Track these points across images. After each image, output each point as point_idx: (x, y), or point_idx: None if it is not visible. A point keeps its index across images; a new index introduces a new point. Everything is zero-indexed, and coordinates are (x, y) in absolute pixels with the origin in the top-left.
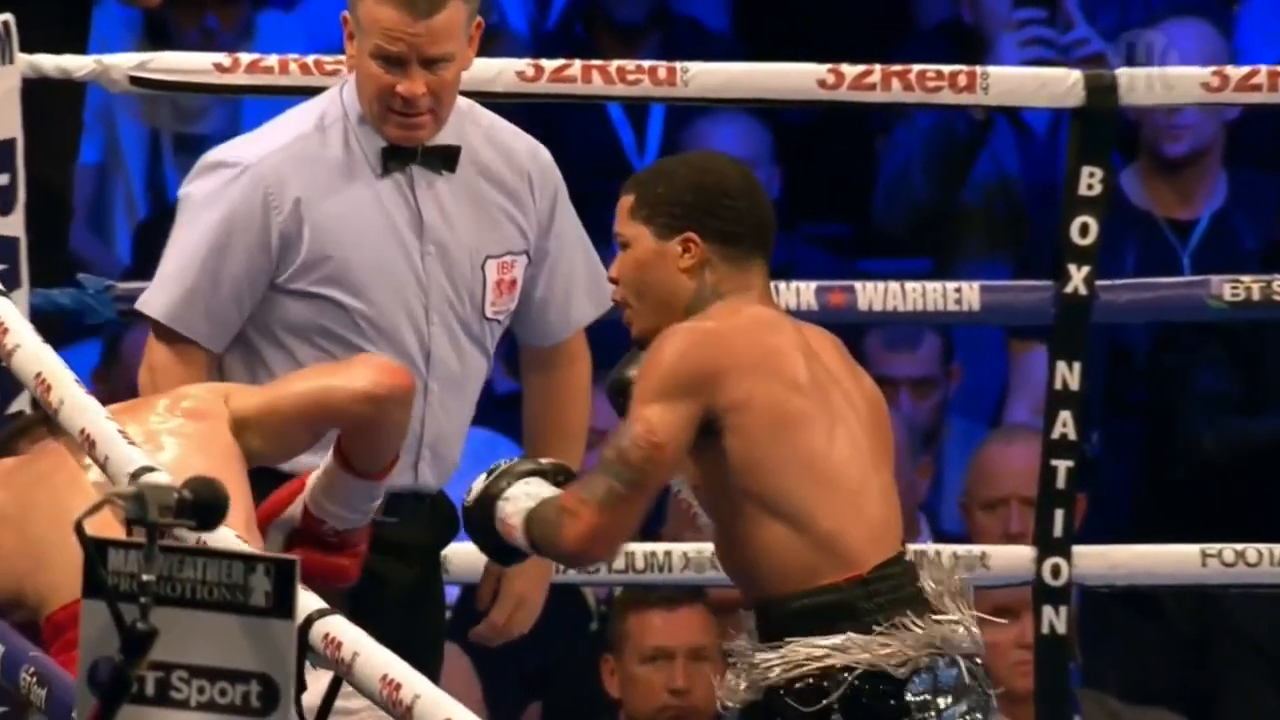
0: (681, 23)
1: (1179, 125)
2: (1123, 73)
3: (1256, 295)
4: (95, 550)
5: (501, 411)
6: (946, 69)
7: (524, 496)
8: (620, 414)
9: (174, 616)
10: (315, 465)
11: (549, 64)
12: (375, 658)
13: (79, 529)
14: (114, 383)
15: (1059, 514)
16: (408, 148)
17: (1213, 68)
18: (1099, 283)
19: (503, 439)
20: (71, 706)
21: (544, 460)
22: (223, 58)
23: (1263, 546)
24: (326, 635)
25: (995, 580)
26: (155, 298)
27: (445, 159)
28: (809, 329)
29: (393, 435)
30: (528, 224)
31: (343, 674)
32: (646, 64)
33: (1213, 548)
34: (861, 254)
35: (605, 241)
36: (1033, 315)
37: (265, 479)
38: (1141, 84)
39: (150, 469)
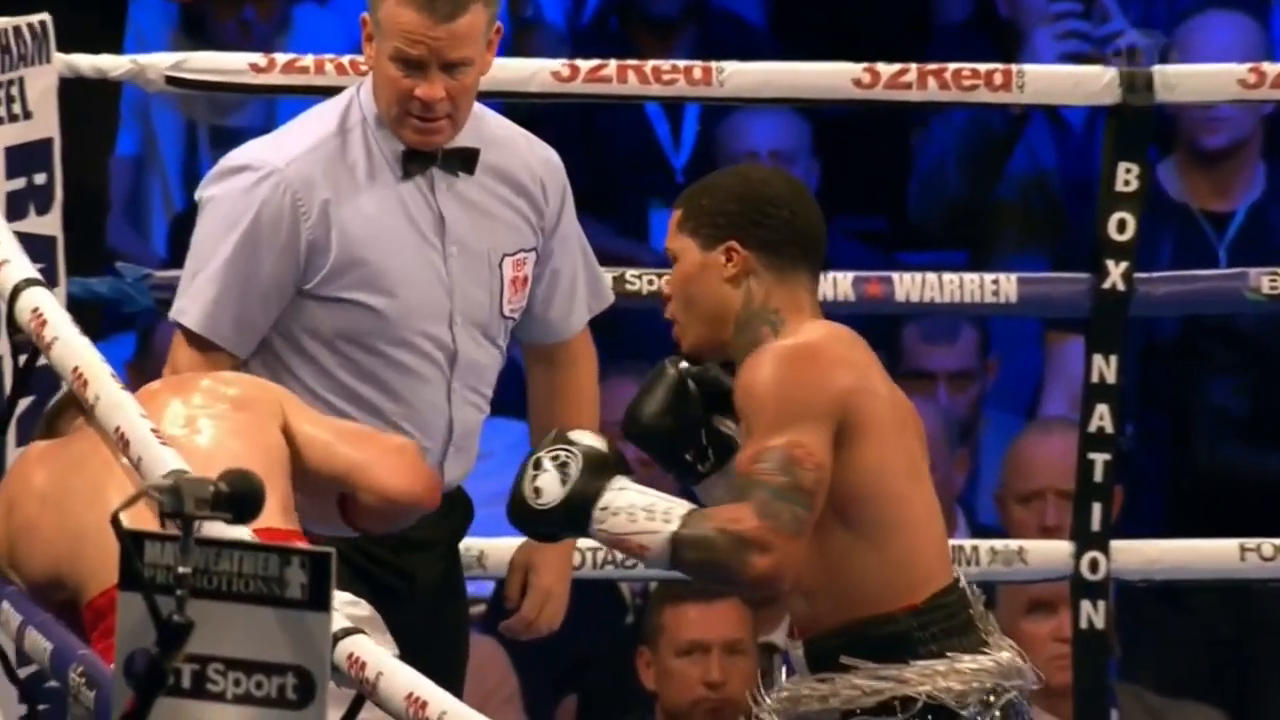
0: (717, 16)
1: (1216, 118)
2: (1159, 70)
3: None
4: (131, 543)
5: None
6: (982, 67)
7: (639, 511)
8: (649, 452)
9: (210, 609)
10: None
11: (584, 64)
12: (400, 676)
13: (115, 521)
14: (148, 375)
15: (1097, 508)
16: (426, 153)
17: (1249, 64)
18: (1137, 275)
19: None
20: None
21: (585, 439)
22: (258, 58)
23: None
24: (350, 655)
25: (1033, 575)
26: (189, 307)
27: (464, 161)
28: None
29: (400, 524)
30: (539, 222)
31: (367, 694)
32: (682, 64)
33: (1251, 542)
34: (897, 248)
35: (640, 237)
36: (1070, 308)
37: None
38: (1177, 81)
39: (183, 472)
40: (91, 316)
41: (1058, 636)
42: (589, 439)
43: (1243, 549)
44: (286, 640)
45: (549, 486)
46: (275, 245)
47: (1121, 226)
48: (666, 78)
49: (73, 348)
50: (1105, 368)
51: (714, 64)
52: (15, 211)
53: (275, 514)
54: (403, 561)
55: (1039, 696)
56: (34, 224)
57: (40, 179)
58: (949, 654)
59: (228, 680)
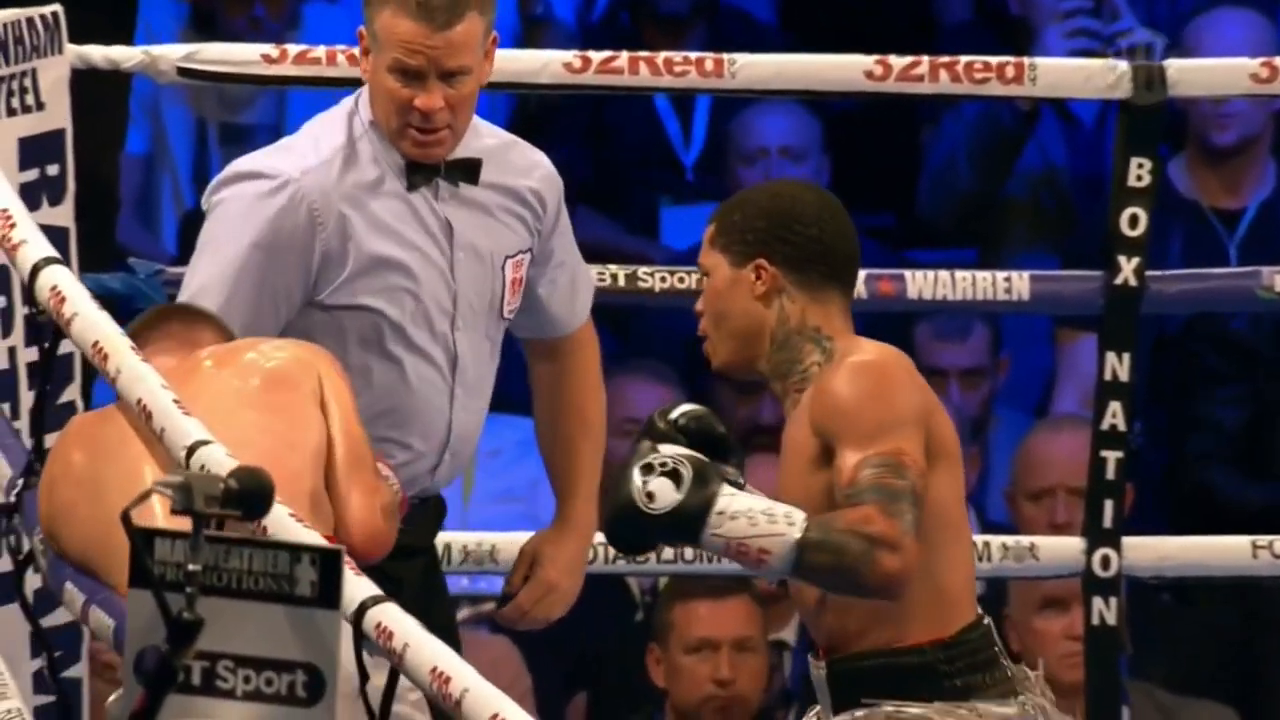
0: (727, 13)
1: (1227, 114)
2: (1170, 64)
3: None
4: (141, 540)
5: None
6: (994, 60)
7: (758, 514)
8: (621, 542)
9: (220, 606)
10: None
11: (596, 55)
12: (425, 649)
13: (125, 519)
14: None
15: (1108, 505)
16: (430, 166)
17: (1262, 59)
18: (1148, 273)
19: None
20: None
21: (684, 454)
22: (270, 48)
23: None
24: (379, 624)
25: (1044, 571)
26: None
27: (466, 172)
28: None
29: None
30: (535, 224)
31: (395, 664)
32: (694, 55)
33: (1263, 539)
34: (907, 244)
35: (650, 234)
36: (1082, 305)
37: None
38: (1189, 75)
39: (206, 442)
40: (105, 309)
41: (1070, 634)
42: (687, 450)
43: (1254, 546)
44: (296, 637)
45: (662, 491)
46: (289, 256)
47: (1134, 222)
48: (678, 69)
49: (93, 322)
50: (1118, 365)
51: (725, 56)
52: (28, 203)
53: (304, 509)
54: (391, 568)
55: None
56: (46, 215)
57: (53, 170)
58: (972, 697)
59: (237, 677)
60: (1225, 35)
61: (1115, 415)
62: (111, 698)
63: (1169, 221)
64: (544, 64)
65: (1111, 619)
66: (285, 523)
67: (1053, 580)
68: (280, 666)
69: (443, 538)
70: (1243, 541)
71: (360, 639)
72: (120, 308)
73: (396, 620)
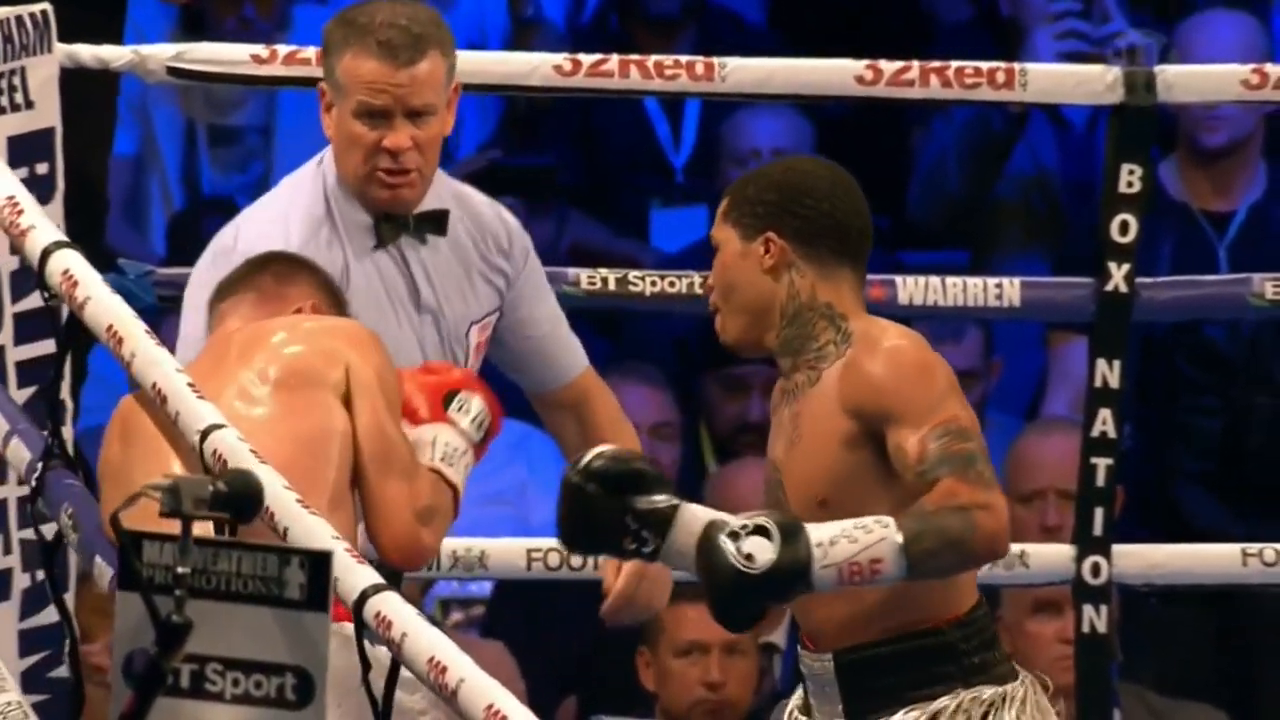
0: (717, 15)
1: (1217, 116)
2: (1162, 70)
3: None
4: (129, 542)
5: None
6: (984, 65)
7: (851, 530)
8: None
9: (209, 609)
10: None
11: (586, 58)
12: (423, 638)
13: (114, 522)
14: None
15: (1099, 512)
16: (399, 218)
17: (1252, 65)
18: (1139, 280)
19: (537, 432)
20: None
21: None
22: (260, 49)
23: None
24: (378, 614)
25: (1034, 579)
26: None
27: (435, 224)
28: None
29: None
30: (502, 284)
31: (394, 653)
32: (684, 59)
33: (1253, 547)
34: (898, 247)
35: (641, 237)
36: (1073, 312)
37: None
38: (1180, 81)
39: (219, 425)
40: None
41: (1062, 638)
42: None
43: (1245, 554)
44: (285, 640)
45: (758, 549)
46: None
47: (1125, 228)
48: (669, 73)
49: (106, 306)
50: (1108, 372)
51: (716, 60)
52: None
53: (318, 508)
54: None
55: None
56: None
57: (42, 169)
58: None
59: (226, 680)
60: (1216, 38)
61: (1105, 422)
62: None
63: (1159, 225)
64: (534, 66)
65: (1102, 627)
66: (291, 509)
67: (1043, 587)
68: (269, 669)
69: None
70: (1233, 549)
71: (361, 628)
72: None
73: (396, 609)
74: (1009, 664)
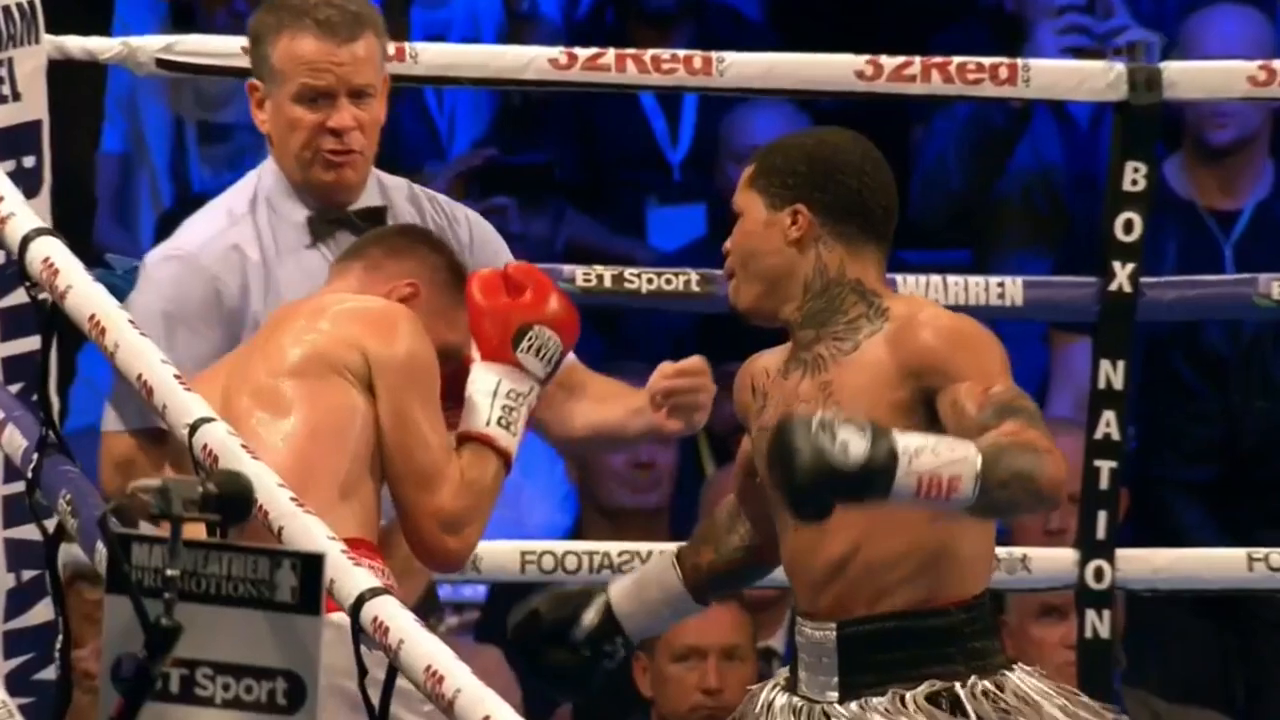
0: (714, 10)
1: (1223, 113)
2: (1167, 66)
3: None
4: (118, 545)
5: None
6: (987, 61)
7: (932, 441)
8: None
9: (199, 613)
10: None
11: (582, 52)
12: (421, 647)
13: (102, 524)
14: None
15: (1102, 515)
16: (337, 213)
17: (1260, 62)
18: (1144, 280)
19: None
20: None
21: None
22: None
23: None
24: (375, 619)
25: (1037, 584)
26: (107, 415)
27: (373, 219)
28: None
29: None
30: None
31: (391, 659)
32: (682, 53)
33: (1259, 551)
34: (898, 245)
35: (638, 234)
36: (1076, 312)
37: None
38: (1185, 78)
39: (208, 419)
40: None
41: (1067, 643)
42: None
43: (1250, 558)
44: (276, 644)
45: (853, 440)
46: (190, 328)
47: (1129, 227)
48: (666, 67)
49: (87, 294)
50: (1112, 373)
51: (714, 54)
52: None
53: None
54: None
55: None
56: None
57: (29, 161)
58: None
59: (217, 685)
60: (1223, 33)
61: (1109, 424)
62: None
63: (1165, 223)
64: (529, 60)
65: (1105, 632)
66: (285, 507)
67: (1046, 592)
68: (260, 674)
69: None
70: (1239, 554)
71: (358, 632)
72: None
73: (393, 615)
74: (1006, 655)
